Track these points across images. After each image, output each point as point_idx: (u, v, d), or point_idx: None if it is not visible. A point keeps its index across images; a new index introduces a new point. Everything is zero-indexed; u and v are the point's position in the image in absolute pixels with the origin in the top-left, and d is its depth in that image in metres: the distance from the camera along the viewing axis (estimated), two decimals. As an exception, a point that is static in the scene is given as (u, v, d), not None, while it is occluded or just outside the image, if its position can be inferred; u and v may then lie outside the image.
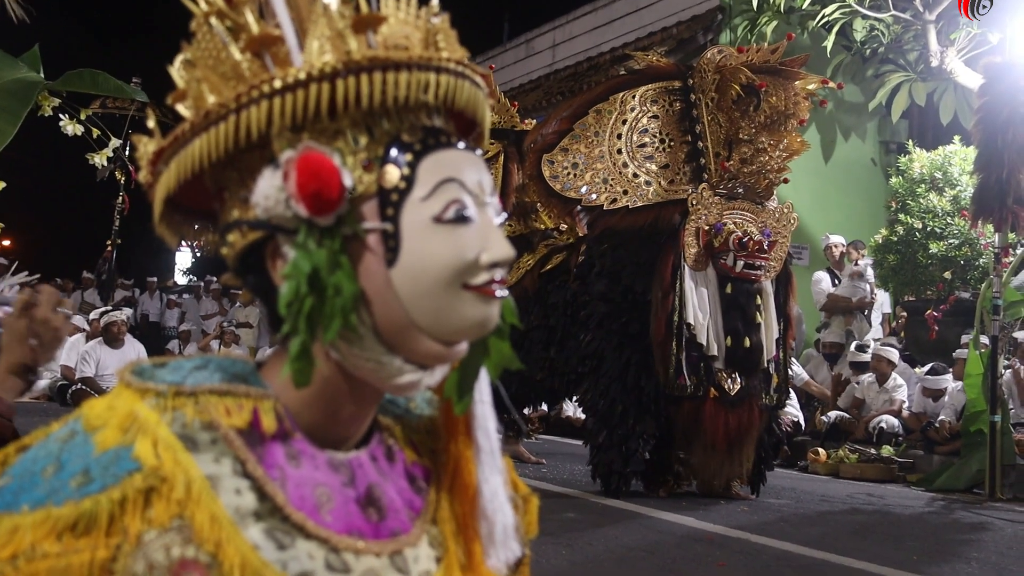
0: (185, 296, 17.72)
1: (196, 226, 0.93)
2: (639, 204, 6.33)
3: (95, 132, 4.12)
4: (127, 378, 0.83)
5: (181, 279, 26.26)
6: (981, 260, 9.63)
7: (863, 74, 12.64)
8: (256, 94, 0.79)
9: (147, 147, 0.86)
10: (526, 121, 8.04)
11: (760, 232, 6.21)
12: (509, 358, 0.89)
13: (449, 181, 0.83)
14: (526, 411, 8.92)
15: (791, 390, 7.82)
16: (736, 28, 12.50)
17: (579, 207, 6.45)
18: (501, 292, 0.84)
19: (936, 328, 9.37)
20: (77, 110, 4.00)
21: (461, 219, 0.82)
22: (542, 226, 7.63)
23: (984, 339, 7.36)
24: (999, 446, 6.99)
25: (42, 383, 10.24)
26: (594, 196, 6.35)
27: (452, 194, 0.82)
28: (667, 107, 6.52)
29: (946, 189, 10.09)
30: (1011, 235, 7.54)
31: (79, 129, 4.01)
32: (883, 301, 11.00)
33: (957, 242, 9.87)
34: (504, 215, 0.88)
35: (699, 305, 6.19)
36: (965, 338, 8.34)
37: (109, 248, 15.20)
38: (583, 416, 7.34)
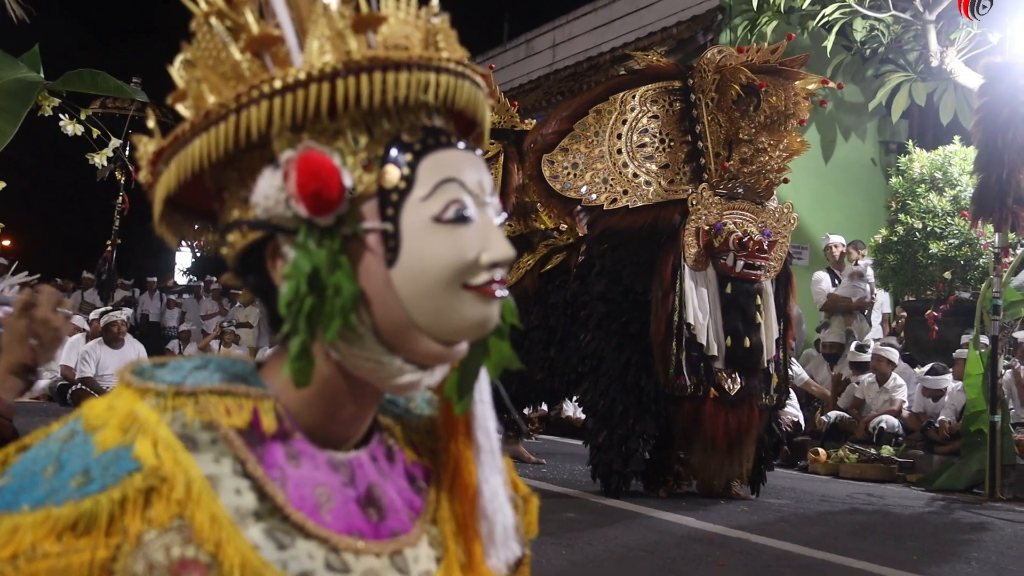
0: (185, 296, 17.72)
1: (196, 226, 0.93)
2: (639, 204, 6.33)
3: (95, 132, 4.12)
4: (127, 378, 0.83)
5: (181, 279, 26.27)
6: (981, 260, 9.64)
7: (863, 74, 12.64)
8: (256, 94, 0.79)
9: (147, 147, 0.86)
10: (526, 121, 8.04)
11: (760, 232, 6.21)
12: (509, 358, 0.90)
13: (449, 181, 0.83)
14: (526, 411, 8.92)
15: (791, 390, 7.82)
16: (736, 28, 12.50)
17: (579, 207, 6.45)
18: (501, 292, 0.84)
19: (936, 328, 9.37)
20: (77, 110, 4.00)
21: (461, 219, 0.82)
22: (542, 226, 7.63)
23: (984, 339, 7.36)
24: (999, 446, 6.99)
25: (42, 383, 10.24)
26: (594, 196, 6.35)
27: (452, 194, 0.82)
28: (667, 107, 6.52)
29: (946, 189, 10.10)
30: (1011, 235, 7.55)
31: (79, 129, 4.01)
32: (883, 301, 11.00)
33: (957, 242, 9.87)
34: (504, 215, 0.88)
35: (699, 305, 6.19)
36: (965, 338, 8.34)
37: (109, 248, 15.20)
38: (583, 416, 7.34)
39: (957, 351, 8.64)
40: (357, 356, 0.83)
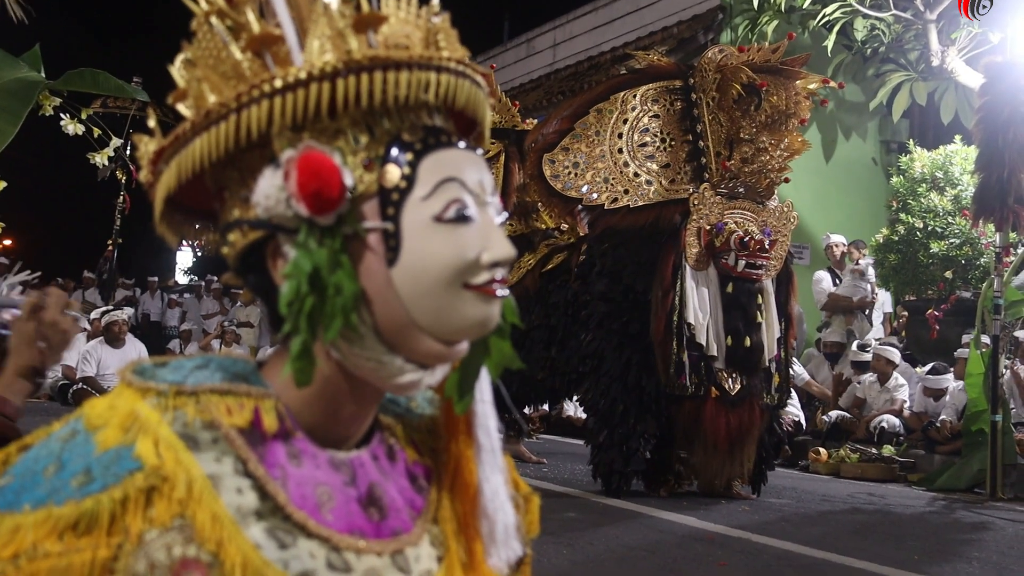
0: (186, 295, 17.73)
1: (197, 225, 0.93)
2: (640, 203, 6.33)
3: (96, 131, 4.13)
4: (128, 377, 0.83)
5: (182, 278, 26.29)
6: (982, 260, 9.64)
7: (864, 73, 12.64)
8: (257, 93, 0.79)
9: (148, 146, 0.86)
10: (527, 121, 8.04)
11: (761, 231, 6.21)
12: (510, 357, 0.90)
13: (450, 180, 0.83)
14: (527, 411, 8.92)
15: (792, 390, 7.82)
16: (737, 27, 12.50)
17: (580, 206, 6.45)
18: (502, 291, 0.84)
19: (937, 328, 9.37)
20: (78, 109, 4.00)
21: (462, 218, 0.82)
22: (543, 226, 7.63)
23: (985, 339, 7.36)
24: (1000, 446, 6.98)
25: (43, 383, 10.23)
26: (595, 195, 6.35)
27: (453, 193, 0.82)
28: (668, 106, 6.52)
29: (947, 188, 10.09)
30: (1012, 234, 7.55)
31: (80, 129, 4.01)
32: (884, 301, 11.00)
33: (958, 241, 9.87)
34: (505, 215, 0.88)
35: (699, 305, 6.19)
36: (966, 338, 8.34)
37: (110, 247, 15.20)
38: (584, 416, 7.34)
39: (958, 351, 8.64)
40: (358, 355, 0.83)
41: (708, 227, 6.20)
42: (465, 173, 0.84)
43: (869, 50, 12.30)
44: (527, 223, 7.69)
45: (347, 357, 0.83)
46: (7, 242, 25.18)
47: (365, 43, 0.81)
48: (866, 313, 10.42)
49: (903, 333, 10.46)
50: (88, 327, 11.83)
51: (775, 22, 11.88)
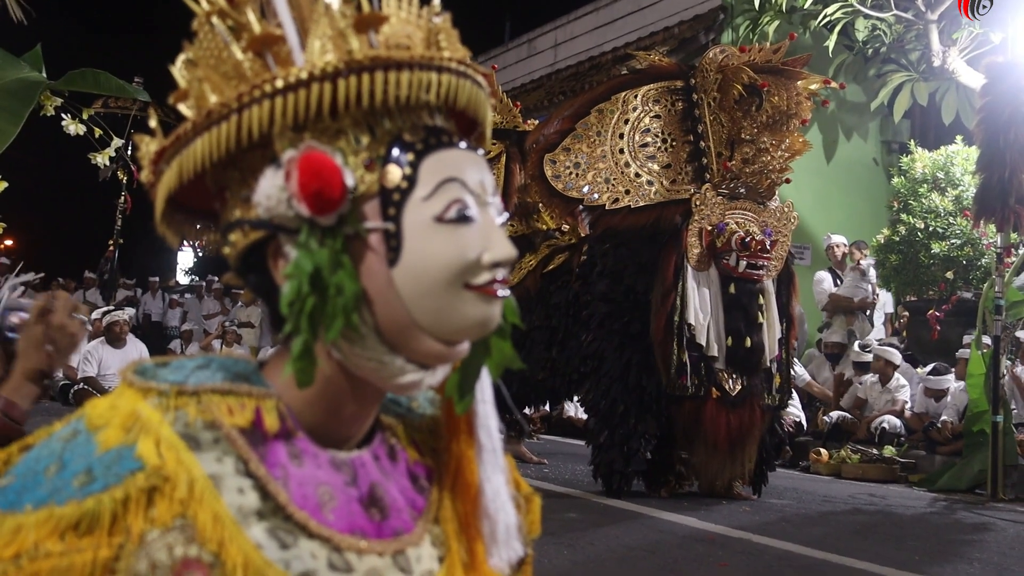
0: (187, 296, 17.73)
1: (198, 226, 0.93)
2: (641, 204, 6.33)
3: (97, 132, 4.13)
4: (129, 377, 0.83)
5: (183, 279, 26.29)
6: (983, 260, 9.64)
7: (865, 74, 12.63)
8: (258, 93, 0.79)
9: (149, 147, 0.86)
10: (528, 121, 8.04)
11: (762, 232, 6.22)
12: (511, 358, 0.90)
13: (451, 181, 0.83)
14: (528, 411, 8.92)
15: (793, 390, 7.82)
16: (738, 28, 12.49)
17: (581, 207, 6.45)
18: (503, 292, 0.84)
19: (938, 328, 9.37)
20: (79, 110, 4.01)
21: (463, 219, 0.82)
22: (544, 226, 7.64)
23: (986, 339, 7.36)
24: (1001, 446, 6.98)
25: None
26: (596, 196, 6.35)
27: (454, 194, 0.82)
28: (669, 107, 6.52)
29: (948, 189, 10.09)
30: (1013, 235, 7.54)
31: (81, 129, 4.02)
32: (885, 301, 10.99)
33: (959, 242, 9.87)
34: (506, 215, 0.88)
35: (700, 305, 6.20)
36: (967, 338, 8.34)
37: (111, 248, 15.21)
38: (585, 416, 7.34)
39: (959, 351, 8.64)
40: (359, 356, 0.83)
41: (709, 227, 6.20)
42: (466, 173, 0.84)
43: (870, 50, 12.30)
44: (528, 224, 7.69)
45: (348, 357, 0.83)
46: (8, 242, 25.20)
47: (366, 43, 0.81)
48: (867, 314, 10.41)
49: (904, 334, 10.45)
50: (89, 327, 11.83)
51: (776, 22, 11.87)
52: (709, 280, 6.26)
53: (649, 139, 6.47)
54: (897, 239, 10.20)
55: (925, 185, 10.19)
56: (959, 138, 10.36)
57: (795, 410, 8.89)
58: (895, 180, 10.76)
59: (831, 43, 11.45)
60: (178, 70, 0.85)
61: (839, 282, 10.55)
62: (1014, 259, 7.60)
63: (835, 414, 9.20)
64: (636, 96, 6.51)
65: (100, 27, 33.44)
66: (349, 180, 0.80)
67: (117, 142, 4.22)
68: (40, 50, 3.64)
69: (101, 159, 4.16)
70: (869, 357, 9.22)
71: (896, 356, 9.05)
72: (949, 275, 9.83)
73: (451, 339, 0.84)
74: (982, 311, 7.46)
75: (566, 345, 6.94)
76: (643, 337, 6.21)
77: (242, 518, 0.78)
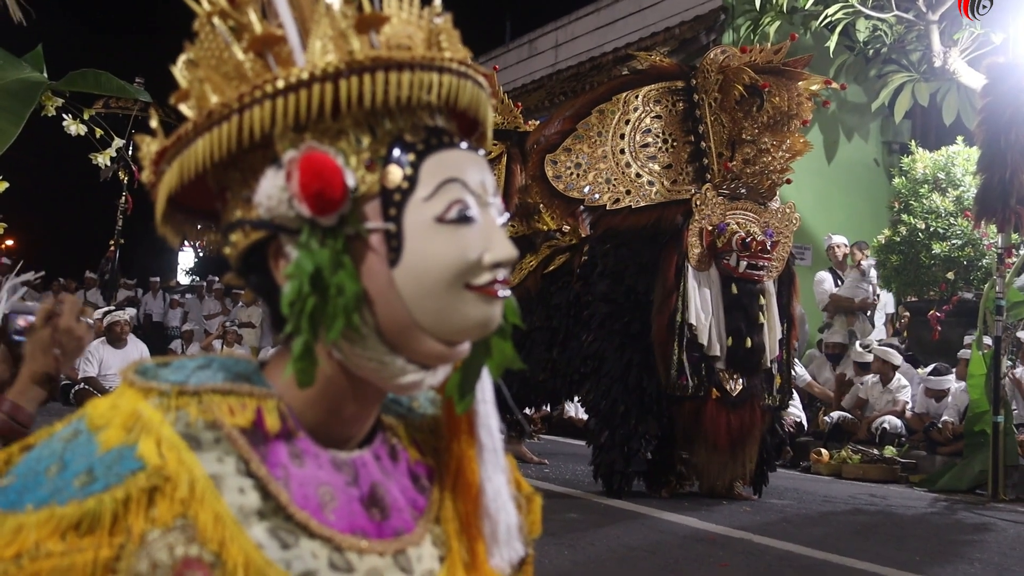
0: (188, 296, 17.73)
1: (199, 226, 0.93)
2: (642, 204, 6.33)
3: (98, 132, 4.13)
4: (130, 377, 0.83)
5: (184, 279, 26.28)
6: (984, 261, 9.63)
7: (866, 74, 12.63)
8: (259, 94, 0.79)
9: (150, 147, 0.86)
10: (529, 122, 8.04)
11: (763, 232, 6.22)
12: (511, 358, 0.90)
13: (452, 181, 0.83)
14: (528, 411, 8.92)
15: (793, 391, 7.82)
16: (739, 28, 12.49)
17: (582, 207, 6.45)
18: (503, 292, 0.84)
19: (939, 329, 9.37)
20: (80, 110, 4.01)
21: (464, 219, 0.82)
22: (545, 227, 7.64)
23: (987, 340, 7.36)
24: (1002, 447, 6.98)
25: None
26: (597, 196, 6.35)
27: (455, 194, 0.83)
28: (670, 107, 6.52)
29: (949, 189, 10.09)
30: (1014, 235, 7.55)
31: (82, 129, 4.02)
32: (886, 302, 10.99)
33: (960, 243, 9.87)
34: (507, 216, 0.88)
35: (701, 306, 6.20)
36: (968, 339, 8.34)
37: (112, 248, 15.21)
38: (585, 417, 7.34)
39: (960, 352, 8.64)
40: (360, 356, 0.83)
41: (710, 228, 6.20)
42: (467, 174, 0.84)
43: (871, 51, 12.29)
44: (529, 224, 7.69)
45: (349, 357, 0.83)
46: (9, 242, 25.21)
47: (367, 44, 0.82)
48: (868, 314, 10.41)
49: (905, 334, 10.46)
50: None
51: (777, 23, 11.87)
52: (710, 280, 6.26)
53: (650, 139, 6.47)
54: (898, 240, 10.20)
55: (926, 186, 10.18)
56: (960, 139, 10.35)
57: (796, 410, 8.89)
58: (896, 180, 10.76)
59: (832, 44, 11.45)
60: (179, 70, 0.85)
61: (840, 282, 10.55)
62: (1015, 260, 7.60)
63: (836, 414, 9.19)
64: (637, 96, 6.51)
65: (101, 27, 33.48)
66: (350, 180, 0.80)
67: (118, 142, 4.21)
68: (41, 50, 3.64)
69: (102, 159, 4.16)
70: (870, 357, 9.22)
71: (895, 357, 9.05)
72: (950, 276, 9.83)
73: (452, 339, 0.84)
74: (983, 312, 7.46)
75: (567, 346, 6.94)
76: (644, 337, 6.21)
77: (243, 518, 0.78)
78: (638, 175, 6.38)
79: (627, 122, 6.46)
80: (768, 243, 6.14)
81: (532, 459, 7.88)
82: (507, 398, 0.96)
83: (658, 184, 6.38)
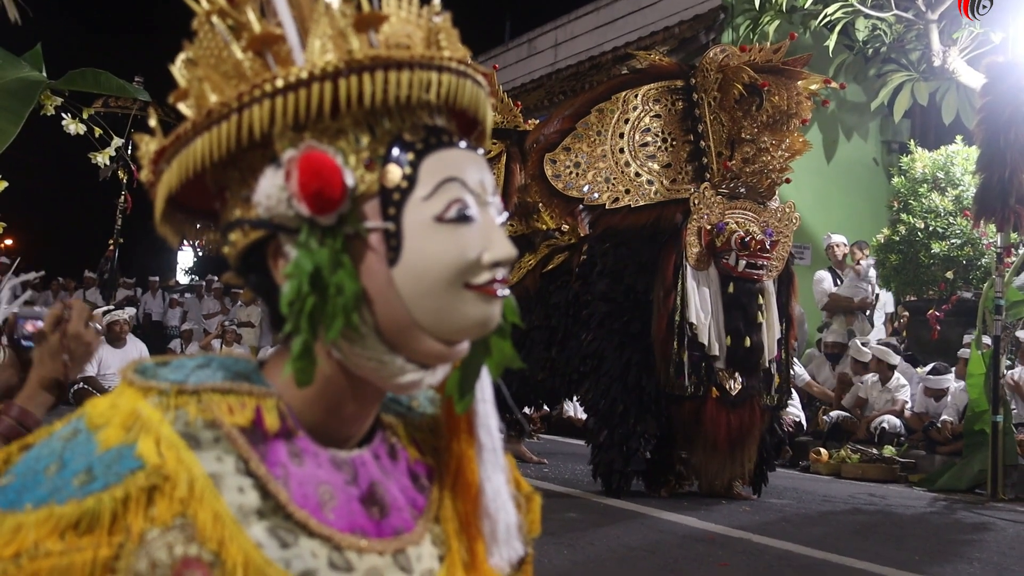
0: (187, 295, 17.74)
1: (198, 225, 0.93)
2: (641, 203, 6.33)
3: (97, 131, 4.12)
4: (130, 377, 0.83)
5: (183, 278, 26.30)
6: (983, 260, 9.64)
7: (865, 74, 12.63)
8: (258, 93, 0.79)
9: (149, 146, 0.86)
10: (528, 121, 8.04)
11: (762, 231, 6.22)
12: (510, 357, 0.90)
13: (451, 180, 0.83)
14: (527, 411, 8.93)
15: (793, 390, 7.82)
16: (738, 27, 12.50)
17: (581, 206, 6.45)
18: (503, 291, 0.84)
19: (938, 328, 9.37)
20: (79, 109, 4.00)
21: (463, 218, 0.82)
22: (544, 226, 7.64)
23: (986, 339, 7.36)
24: (1001, 446, 6.98)
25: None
26: (596, 195, 6.35)
27: (454, 193, 0.82)
28: (669, 106, 6.52)
29: (948, 189, 10.09)
30: (1013, 235, 7.55)
31: (81, 128, 4.01)
32: (885, 301, 10.99)
33: (959, 242, 9.87)
34: (506, 215, 0.88)
35: (701, 305, 6.20)
36: (967, 338, 8.34)
37: (111, 247, 15.19)
38: (584, 416, 7.34)
39: (959, 351, 8.64)
40: (359, 355, 0.83)
41: (709, 227, 6.20)
42: (466, 173, 0.84)
43: (871, 50, 12.30)
44: (528, 223, 7.69)
45: (348, 357, 0.83)
46: (8, 242, 25.17)
47: (366, 43, 0.81)
48: (867, 314, 10.41)
49: (904, 333, 10.46)
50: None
51: (776, 22, 11.88)
52: (709, 279, 6.26)
53: (649, 139, 6.47)
54: (897, 239, 10.21)
55: (925, 185, 10.19)
56: (959, 138, 10.36)
57: (795, 410, 8.89)
58: (895, 180, 10.76)
59: (831, 43, 11.45)
60: (178, 69, 0.85)
61: (839, 282, 10.55)
62: (1014, 259, 7.60)
63: (835, 414, 9.20)
64: (636, 96, 6.51)
65: (100, 27, 33.44)
66: (349, 180, 0.80)
67: (117, 141, 4.21)
68: (40, 49, 3.63)
69: (101, 159, 4.15)
70: (870, 357, 9.22)
71: (892, 356, 9.05)
72: (949, 275, 9.84)
73: (451, 339, 0.84)
74: (982, 311, 7.46)
75: (566, 345, 6.94)
76: (643, 337, 6.22)
77: (242, 517, 0.78)
78: (637, 174, 6.38)
79: (626, 121, 6.46)
80: (767, 242, 6.14)
81: (531, 458, 7.88)
82: (506, 397, 0.96)
83: (657, 183, 6.38)
